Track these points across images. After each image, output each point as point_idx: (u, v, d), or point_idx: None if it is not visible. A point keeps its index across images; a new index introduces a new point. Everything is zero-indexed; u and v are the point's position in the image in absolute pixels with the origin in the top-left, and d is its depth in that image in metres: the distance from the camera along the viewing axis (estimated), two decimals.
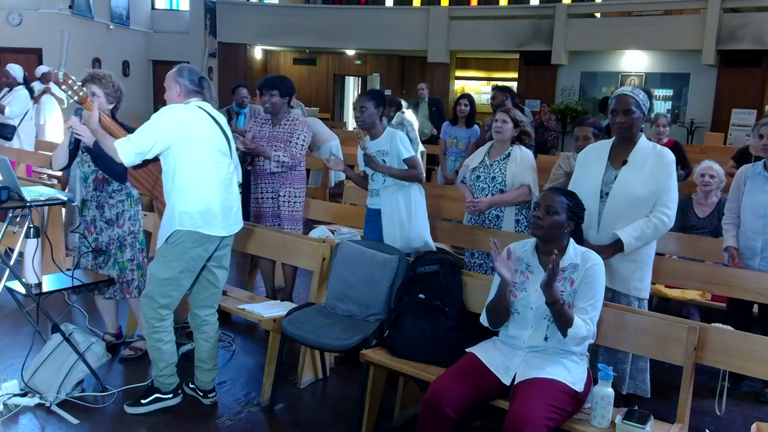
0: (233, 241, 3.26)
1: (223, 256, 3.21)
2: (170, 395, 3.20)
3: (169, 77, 3.07)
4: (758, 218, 3.56)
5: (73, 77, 2.94)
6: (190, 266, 3.03)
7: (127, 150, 2.85)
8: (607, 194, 2.96)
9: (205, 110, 3.04)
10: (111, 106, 3.41)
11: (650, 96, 3.00)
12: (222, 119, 3.13)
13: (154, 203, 3.39)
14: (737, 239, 3.67)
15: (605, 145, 3.10)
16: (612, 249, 2.93)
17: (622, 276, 2.99)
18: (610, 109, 3.00)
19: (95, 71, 3.43)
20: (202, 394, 3.32)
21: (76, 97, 2.88)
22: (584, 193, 2.94)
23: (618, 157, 3.00)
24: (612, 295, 3.00)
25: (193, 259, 3.02)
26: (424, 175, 3.83)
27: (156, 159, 3.02)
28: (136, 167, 3.12)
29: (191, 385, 3.35)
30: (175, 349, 3.18)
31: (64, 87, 2.86)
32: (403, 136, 3.90)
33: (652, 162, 2.92)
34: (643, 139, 3.00)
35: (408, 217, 3.78)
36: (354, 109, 3.95)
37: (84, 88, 2.94)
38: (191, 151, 2.94)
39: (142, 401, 3.16)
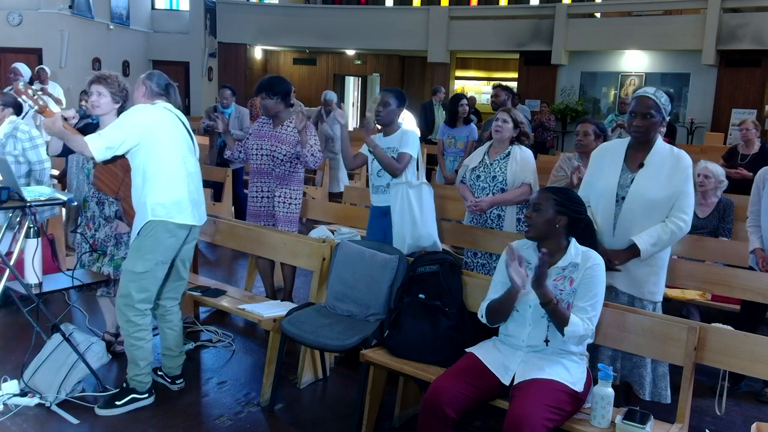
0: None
1: (189, 249, 3.35)
2: (146, 395, 3.23)
3: (139, 79, 3.25)
4: None
5: (33, 87, 2.96)
6: (164, 257, 3.12)
7: (98, 144, 2.91)
8: (623, 198, 2.89)
9: (171, 111, 3.18)
10: (118, 106, 3.45)
11: (672, 99, 2.90)
12: (186, 120, 3.27)
13: (121, 204, 3.41)
14: (762, 241, 3.62)
15: (621, 145, 3.01)
16: (627, 254, 2.88)
17: (638, 280, 2.94)
18: (629, 110, 2.90)
19: (101, 72, 3.49)
20: (170, 380, 3.44)
21: (36, 107, 2.90)
22: (600, 197, 2.91)
23: (634, 159, 2.92)
24: (626, 299, 2.97)
25: (166, 249, 3.12)
26: (411, 178, 3.77)
27: (121, 158, 3.10)
28: (105, 162, 3.19)
29: (159, 372, 3.45)
30: (152, 347, 3.21)
31: (24, 97, 2.89)
32: (414, 136, 3.88)
33: (669, 166, 2.85)
34: (659, 142, 2.92)
35: (420, 215, 3.71)
36: (376, 102, 3.91)
37: (44, 97, 2.97)
38: (161, 147, 3.07)
39: (117, 402, 3.15)
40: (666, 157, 2.88)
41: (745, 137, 5.85)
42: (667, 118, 2.92)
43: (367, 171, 4.38)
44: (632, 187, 2.88)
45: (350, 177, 8.84)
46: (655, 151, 2.89)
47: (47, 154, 3.80)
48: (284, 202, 4.29)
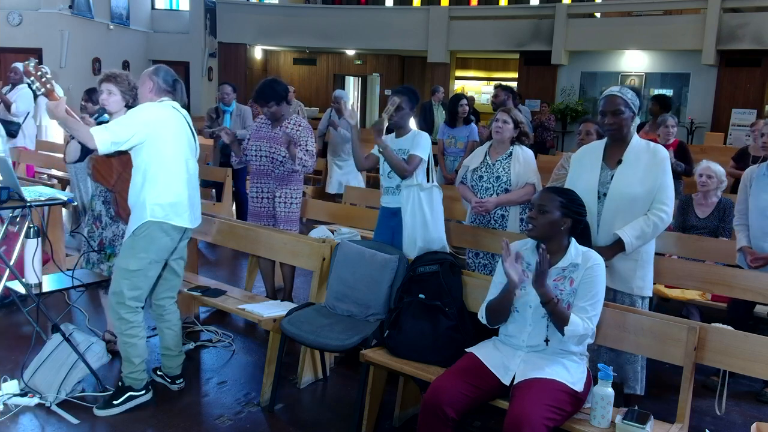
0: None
1: (183, 248, 3.34)
2: (143, 392, 3.22)
3: (145, 74, 3.22)
4: (765, 219, 3.55)
5: (43, 69, 2.95)
6: (157, 257, 3.13)
7: (104, 138, 2.91)
8: (604, 195, 2.97)
9: (177, 110, 3.18)
10: (126, 104, 3.46)
11: (639, 94, 3.00)
12: (190, 120, 3.26)
13: (114, 198, 3.41)
14: (749, 238, 3.65)
15: (599, 145, 3.10)
16: (613, 250, 2.93)
17: (623, 275, 2.99)
18: (599, 110, 3.01)
19: (112, 70, 3.51)
20: (170, 380, 3.44)
21: (42, 89, 2.90)
22: (581, 195, 2.94)
23: (612, 157, 3.00)
24: (614, 295, 3.00)
25: (160, 249, 3.12)
26: (413, 177, 3.75)
27: (121, 153, 3.09)
28: (108, 156, 3.18)
29: (159, 372, 3.46)
30: (145, 344, 3.22)
31: (32, 78, 2.89)
32: (426, 138, 3.82)
33: (646, 160, 2.93)
34: (635, 138, 3.00)
35: (432, 218, 3.70)
36: (394, 106, 3.80)
37: (52, 80, 2.96)
38: (165, 147, 3.06)
39: (114, 402, 3.15)
40: (642, 152, 2.96)
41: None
42: (638, 113, 3.02)
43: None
44: (612, 184, 2.95)
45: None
46: (631, 147, 2.97)
47: (64, 160, 3.80)
48: (285, 202, 4.31)
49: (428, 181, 3.79)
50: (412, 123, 8.40)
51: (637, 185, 2.90)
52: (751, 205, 3.64)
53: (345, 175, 7.57)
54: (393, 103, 3.70)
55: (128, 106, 3.47)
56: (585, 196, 2.93)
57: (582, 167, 3.09)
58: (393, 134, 3.92)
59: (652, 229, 2.90)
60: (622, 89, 2.97)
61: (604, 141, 3.09)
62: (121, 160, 3.23)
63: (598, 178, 2.99)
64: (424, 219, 3.68)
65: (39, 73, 2.90)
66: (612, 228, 2.92)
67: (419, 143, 3.78)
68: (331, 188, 7.71)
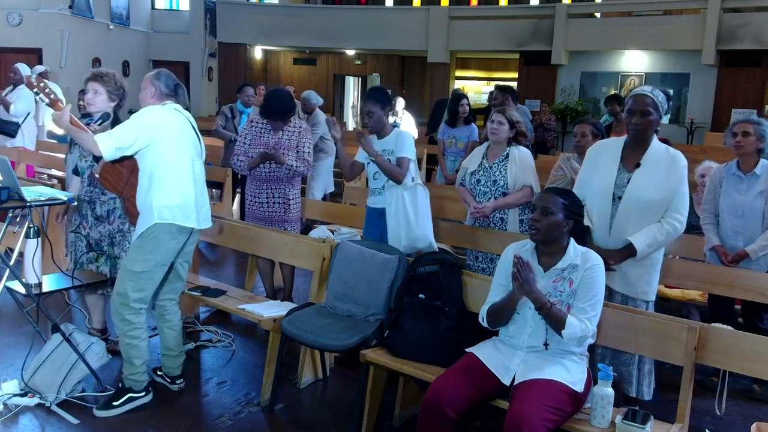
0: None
1: (190, 252, 3.35)
2: (143, 393, 3.22)
3: (146, 79, 3.21)
4: (737, 218, 3.56)
5: (45, 80, 2.96)
6: (164, 259, 3.13)
7: (108, 144, 2.90)
8: (619, 198, 2.92)
9: (180, 112, 3.18)
10: (113, 104, 3.46)
11: (669, 98, 2.94)
12: (194, 122, 3.27)
13: (124, 204, 3.41)
14: (719, 237, 3.66)
15: (617, 144, 3.03)
16: (623, 254, 2.90)
17: (632, 280, 2.97)
18: (627, 108, 2.94)
19: (99, 69, 3.50)
20: (169, 380, 3.45)
21: (47, 100, 2.91)
22: (596, 195, 2.92)
23: (631, 159, 2.94)
24: (620, 299, 2.99)
25: (167, 251, 3.12)
26: (406, 180, 3.73)
27: (128, 157, 3.09)
28: (114, 162, 3.18)
29: (159, 372, 3.46)
30: (147, 346, 3.21)
31: (35, 90, 2.89)
32: (409, 137, 3.85)
33: (665, 166, 2.88)
34: (655, 142, 2.95)
35: (415, 217, 3.73)
36: (360, 113, 3.89)
37: (55, 91, 2.97)
38: (169, 149, 3.06)
39: (114, 403, 3.14)
40: (662, 158, 2.91)
41: None
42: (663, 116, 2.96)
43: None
44: (629, 187, 2.90)
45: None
46: (651, 151, 2.92)
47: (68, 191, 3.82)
48: (296, 203, 4.41)
49: (413, 180, 3.80)
50: (411, 122, 8.33)
51: (654, 191, 2.86)
52: (723, 204, 3.63)
53: (309, 179, 7.44)
54: (369, 116, 3.76)
55: (117, 106, 3.48)
56: (599, 198, 2.92)
57: (597, 166, 3.02)
58: (374, 136, 3.92)
59: (665, 237, 2.87)
60: (654, 90, 2.89)
61: (622, 139, 3.02)
62: (128, 165, 3.21)
63: (615, 180, 2.94)
64: (407, 218, 3.71)
65: (42, 84, 2.91)
66: (624, 232, 2.89)
67: (404, 144, 3.79)
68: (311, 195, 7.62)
